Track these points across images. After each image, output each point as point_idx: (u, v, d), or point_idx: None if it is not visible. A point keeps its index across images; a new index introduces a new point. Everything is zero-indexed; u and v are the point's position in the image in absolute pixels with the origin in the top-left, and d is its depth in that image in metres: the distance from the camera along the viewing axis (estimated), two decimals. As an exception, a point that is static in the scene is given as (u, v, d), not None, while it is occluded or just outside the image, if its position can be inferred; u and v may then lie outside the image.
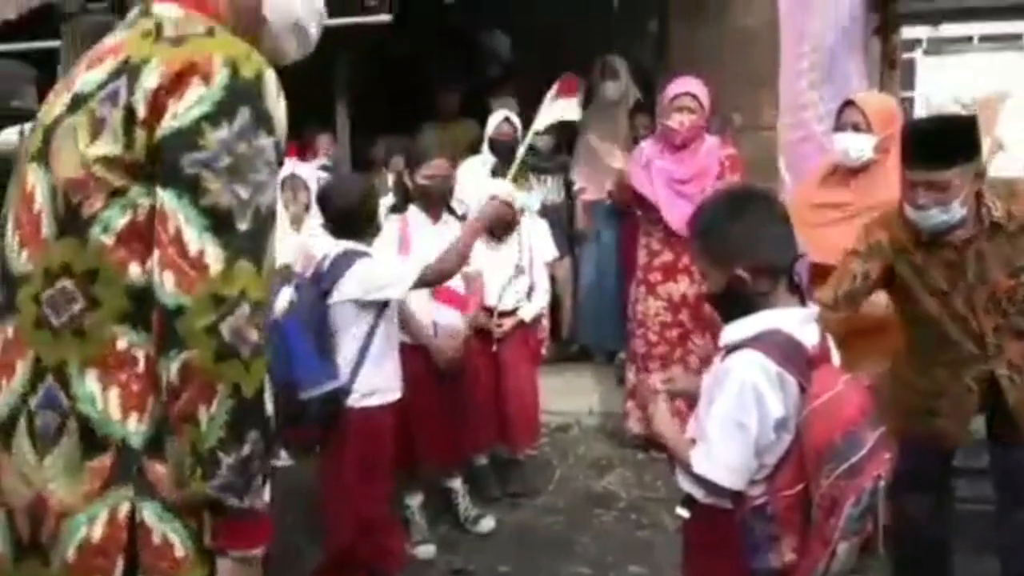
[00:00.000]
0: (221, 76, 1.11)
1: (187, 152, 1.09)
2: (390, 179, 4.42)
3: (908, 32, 3.49)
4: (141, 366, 1.14)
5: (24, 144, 1.29)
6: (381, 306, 2.76)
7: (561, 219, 5.18)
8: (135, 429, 1.14)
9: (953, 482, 2.64)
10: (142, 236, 1.12)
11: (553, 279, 5.17)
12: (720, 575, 1.68)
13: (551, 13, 4.86)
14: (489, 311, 3.68)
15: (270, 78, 1.17)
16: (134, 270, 1.13)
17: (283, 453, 3.06)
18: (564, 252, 5.19)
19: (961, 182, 2.18)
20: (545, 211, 5.00)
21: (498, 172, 4.42)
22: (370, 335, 2.74)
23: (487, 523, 3.54)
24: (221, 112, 1.10)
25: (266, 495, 1.17)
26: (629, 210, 4.38)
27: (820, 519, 1.46)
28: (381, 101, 5.11)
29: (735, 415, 1.53)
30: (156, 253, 1.10)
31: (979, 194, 2.26)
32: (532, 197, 4.71)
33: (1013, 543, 2.49)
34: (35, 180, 1.18)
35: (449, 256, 2.80)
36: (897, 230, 2.43)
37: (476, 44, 5.99)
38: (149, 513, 1.13)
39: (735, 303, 1.63)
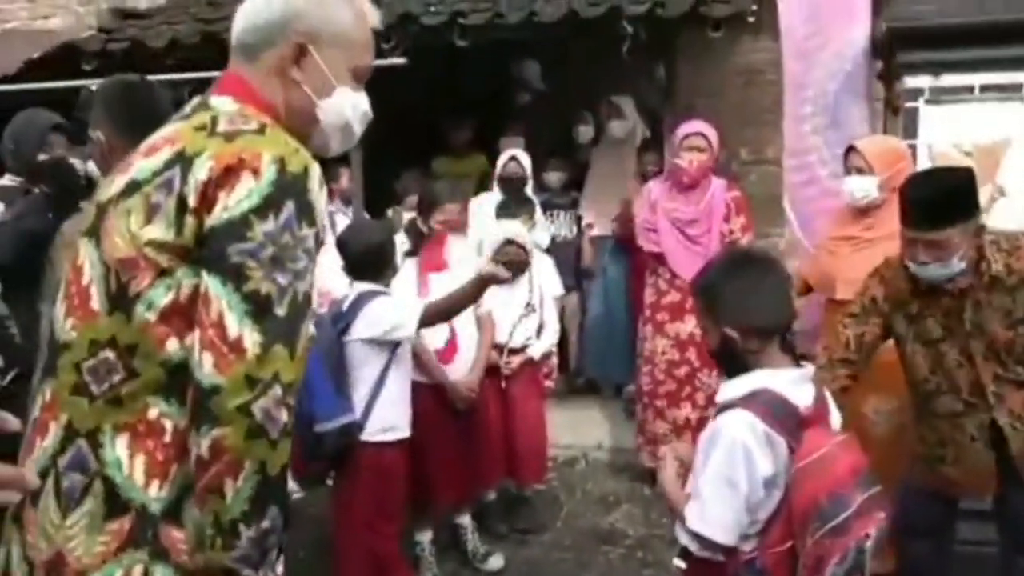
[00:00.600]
0: (269, 172, 1.19)
1: (234, 242, 1.16)
2: (404, 216, 4.52)
3: (910, 81, 3.56)
4: (168, 435, 1.21)
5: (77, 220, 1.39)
6: (394, 346, 2.85)
7: (571, 254, 5.28)
8: (155, 495, 1.20)
9: (956, 524, 2.66)
10: (183, 314, 1.19)
11: (561, 313, 5.28)
12: None
13: (561, 55, 4.97)
14: (499, 349, 3.77)
15: (314, 174, 1.24)
16: (172, 345, 1.19)
17: (294, 484, 3.13)
18: (573, 287, 5.30)
19: (960, 239, 2.25)
20: (555, 246, 5.11)
21: (506, 209, 4.53)
22: (384, 373, 2.84)
23: (496, 561, 3.58)
24: (268, 206, 1.18)
25: (279, 568, 1.25)
26: (635, 246, 4.46)
27: (804, 576, 1.52)
28: (395, 136, 5.21)
29: (726, 473, 1.59)
30: (197, 333, 1.17)
31: (980, 247, 2.32)
32: (542, 234, 4.82)
33: None
34: (86, 255, 1.26)
35: (453, 299, 2.89)
36: (895, 281, 2.50)
37: (505, 73, 6.09)
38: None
39: (730, 360, 1.71)
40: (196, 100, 1.36)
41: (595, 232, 5.25)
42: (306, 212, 1.21)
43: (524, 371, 3.83)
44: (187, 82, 4.41)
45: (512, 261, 3.54)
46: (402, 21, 4.56)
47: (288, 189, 1.19)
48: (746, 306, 1.67)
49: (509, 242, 3.66)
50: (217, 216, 1.17)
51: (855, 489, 1.53)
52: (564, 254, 5.19)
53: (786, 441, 1.58)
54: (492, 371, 3.75)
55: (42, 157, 2.55)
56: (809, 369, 1.73)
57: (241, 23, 1.38)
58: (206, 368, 1.15)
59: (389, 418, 2.86)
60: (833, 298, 3.34)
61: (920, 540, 2.64)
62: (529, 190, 4.83)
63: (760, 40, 5.10)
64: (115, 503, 1.20)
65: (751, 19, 4.23)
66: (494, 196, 4.77)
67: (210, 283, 1.17)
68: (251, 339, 1.16)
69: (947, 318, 2.41)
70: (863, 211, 3.17)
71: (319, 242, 1.26)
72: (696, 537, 1.65)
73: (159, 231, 1.19)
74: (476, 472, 3.58)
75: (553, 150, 5.47)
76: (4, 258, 2.56)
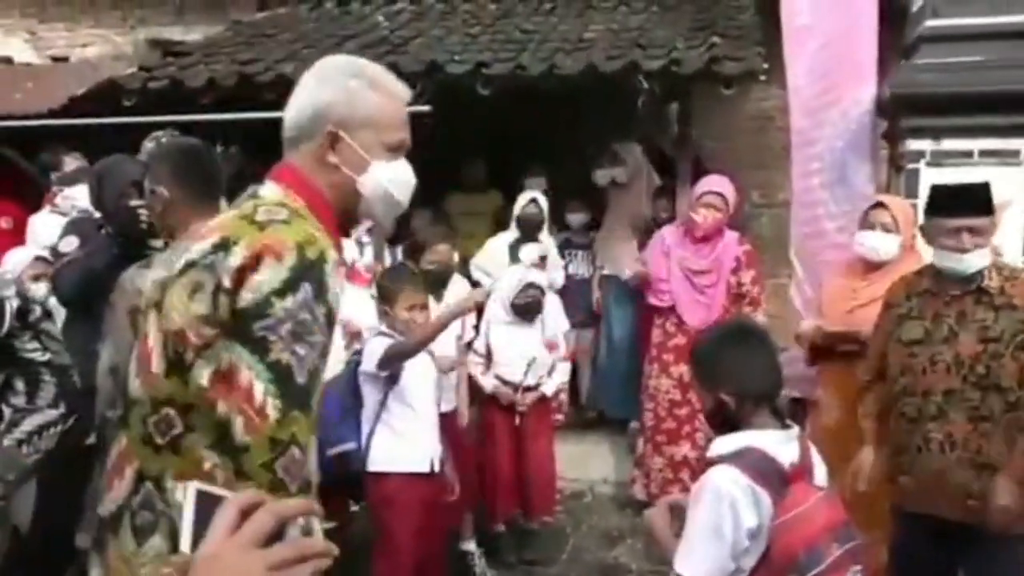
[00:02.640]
0: (289, 257, 1.34)
1: (259, 319, 1.33)
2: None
3: (913, 144, 3.72)
4: (220, 484, 1.33)
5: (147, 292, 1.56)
6: (389, 379, 3.04)
7: (587, 293, 5.46)
8: None
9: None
10: (225, 382, 1.35)
11: (574, 348, 5.46)
12: None
13: (576, 100, 5.17)
14: (514, 387, 3.94)
15: (330, 259, 1.41)
16: (221, 408, 1.35)
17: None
18: (587, 323, 5.48)
19: (991, 230, 2.53)
20: (572, 284, 5.30)
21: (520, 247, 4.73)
22: (381, 405, 3.06)
23: None
24: (287, 287, 1.33)
25: None
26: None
27: (783, 624, 1.67)
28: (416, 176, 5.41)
29: (712, 523, 1.75)
30: (228, 400, 1.34)
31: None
32: (556, 274, 5.01)
33: None
34: (151, 324, 1.45)
35: (412, 337, 3.06)
36: (896, 288, 2.73)
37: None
38: None
39: (722, 422, 1.88)
40: (249, 189, 1.55)
41: (605, 272, 5.43)
42: (321, 293, 1.37)
43: (536, 407, 4.01)
44: (222, 123, 4.62)
45: (529, 304, 3.77)
46: (428, 70, 4.78)
47: (306, 272, 1.35)
48: (741, 374, 1.85)
49: (530, 285, 3.87)
50: (245, 296, 1.33)
51: (831, 544, 1.67)
52: (580, 292, 5.40)
53: (770, 496, 1.73)
54: (507, 408, 3.94)
55: (120, 203, 2.75)
56: (795, 430, 1.88)
57: (286, 120, 1.56)
58: (237, 429, 1.33)
59: (391, 449, 3.04)
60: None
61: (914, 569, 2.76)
62: (545, 232, 5.02)
63: (771, 88, 5.30)
64: (176, 542, 1.34)
65: (763, 77, 4.40)
66: (510, 235, 4.97)
67: (240, 354, 1.33)
68: (273, 404, 1.33)
69: (932, 322, 2.58)
70: (875, 266, 3.27)
71: (332, 319, 1.41)
72: None
73: (202, 307, 1.36)
74: (486, 500, 3.77)
75: (576, 191, 5.67)
76: (66, 293, 2.78)
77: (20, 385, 2.02)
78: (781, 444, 1.82)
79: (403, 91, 1.59)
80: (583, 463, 5.02)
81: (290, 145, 1.55)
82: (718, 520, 1.74)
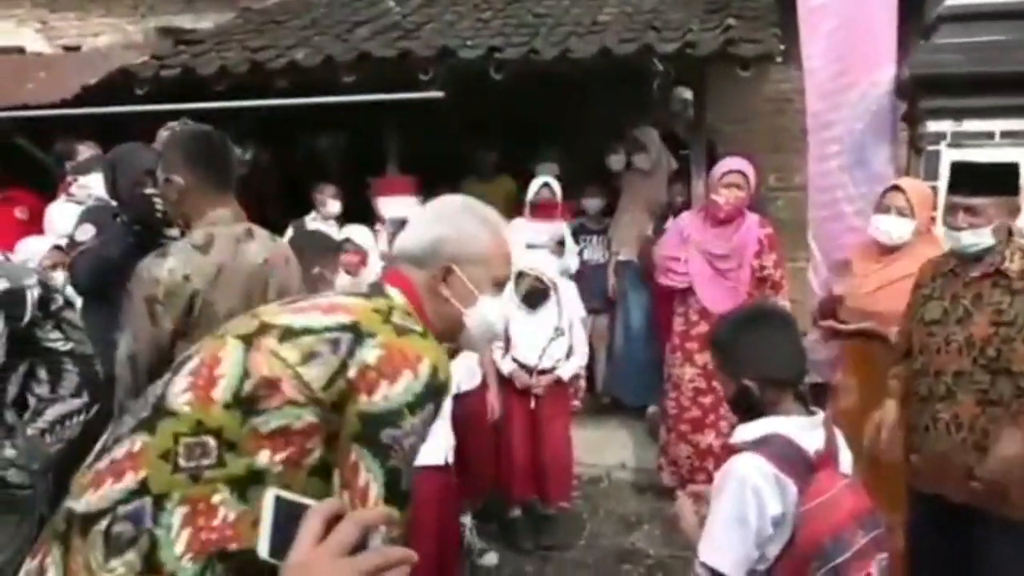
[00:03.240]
0: (424, 375, 1.40)
1: (388, 428, 1.38)
2: None
3: (933, 126, 3.67)
4: (219, 520, 1.35)
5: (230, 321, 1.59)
6: None
7: (602, 278, 5.44)
8: (186, 565, 1.33)
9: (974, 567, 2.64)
10: (287, 437, 1.38)
11: (590, 334, 5.45)
12: None
13: (590, 82, 5.14)
14: (528, 370, 3.93)
15: (451, 382, 1.49)
16: (264, 457, 1.37)
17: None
18: (602, 309, 5.46)
19: (996, 213, 2.46)
20: (587, 270, 5.28)
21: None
22: None
23: (490, 558, 3.85)
24: (418, 404, 1.39)
25: None
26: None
27: (808, 611, 1.65)
28: (430, 162, 5.41)
29: (737, 511, 1.73)
30: (345, 495, 1.37)
31: (1007, 239, 2.50)
32: (571, 260, 4.99)
33: None
34: (231, 354, 1.43)
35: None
36: (925, 268, 2.73)
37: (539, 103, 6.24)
38: None
39: (745, 408, 1.86)
40: (371, 283, 1.66)
41: (621, 257, 5.41)
42: (437, 413, 1.45)
43: (552, 392, 4.00)
44: (235, 111, 4.62)
45: (530, 291, 3.77)
46: (440, 55, 4.75)
47: (435, 393, 1.42)
48: (764, 359, 1.82)
49: (520, 274, 3.87)
50: (378, 402, 1.38)
51: (857, 531, 1.65)
52: (595, 278, 5.38)
53: (795, 483, 1.71)
54: (522, 392, 3.93)
55: (135, 192, 2.75)
56: (820, 416, 1.85)
57: (401, 244, 1.66)
58: None
59: None
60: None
61: (924, 572, 2.74)
62: (558, 218, 5.00)
63: (789, 70, 5.24)
64: (151, 562, 1.34)
65: (779, 59, 4.35)
66: (524, 221, 4.95)
67: (363, 456, 1.38)
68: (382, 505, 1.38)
69: (951, 302, 2.57)
70: (890, 250, 3.25)
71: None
72: (708, 569, 1.78)
73: (311, 374, 1.38)
74: (504, 484, 3.77)
75: (592, 176, 5.64)
76: (83, 282, 2.78)
77: (43, 374, 2.03)
78: (806, 431, 1.79)
79: (506, 229, 1.73)
80: (600, 449, 5.01)
81: (405, 262, 1.63)
82: (742, 508, 1.72)
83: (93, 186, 3.71)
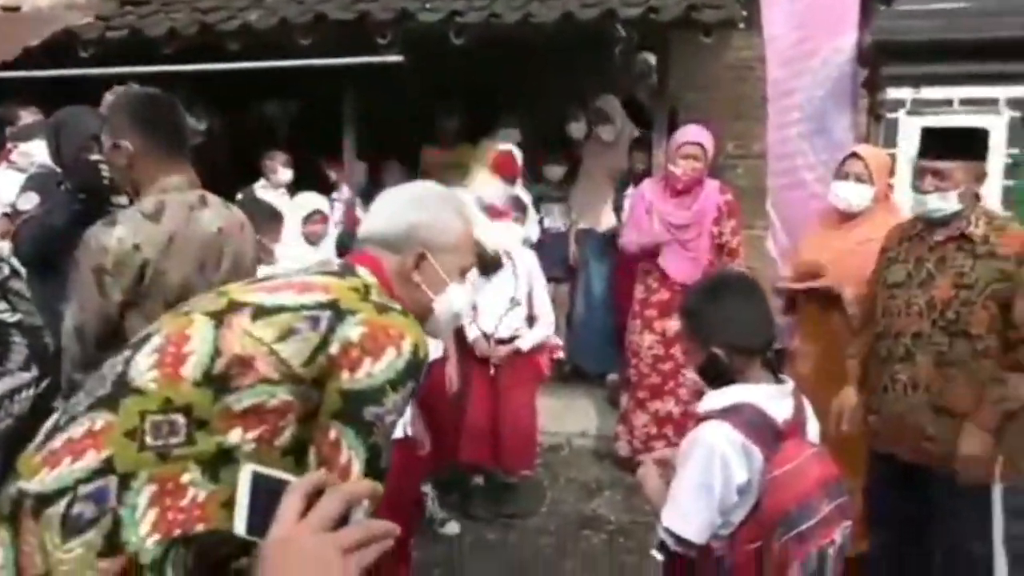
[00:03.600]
0: (408, 352, 1.41)
1: (371, 405, 1.38)
2: None
3: (893, 93, 3.68)
4: (187, 500, 1.33)
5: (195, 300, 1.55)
6: None
7: (563, 246, 5.42)
8: (150, 546, 1.31)
9: (932, 522, 2.70)
10: (260, 416, 1.36)
11: (553, 301, 5.42)
12: None
13: (552, 48, 5.06)
14: (487, 338, 3.90)
15: (428, 361, 1.49)
16: (235, 435, 1.35)
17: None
18: (563, 278, 5.45)
19: (963, 177, 2.49)
20: (548, 238, 5.25)
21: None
22: None
23: (452, 527, 3.85)
24: (400, 381, 1.40)
25: None
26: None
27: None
28: (388, 128, 5.31)
29: (702, 479, 1.73)
30: (324, 471, 1.34)
31: (973, 204, 2.52)
32: (531, 228, 4.94)
33: None
34: (200, 331, 1.40)
35: None
36: (893, 232, 2.75)
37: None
38: None
39: (714, 377, 1.85)
40: (340, 262, 1.62)
41: (582, 226, 5.38)
42: (416, 392, 1.46)
43: (513, 362, 3.97)
44: (185, 75, 4.46)
45: (481, 257, 3.72)
46: (399, 18, 4.63)
47: (415, 370, 1.43)
48: (732, 327, 1.81)
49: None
50: (361, 379, 1.38)
51: (823, 499, 1.66)
52: (556, 246, 5.35)
53: (762, 451, 1.71)
54: (482, 361, 3.90)
55: (80, 157, 2.64)
56: (789, 385, 1.85)
57: (371, 226, 1.64)
58: None
59: None
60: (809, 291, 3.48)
61: (882, 530, 2.81)
62: (519, 185, 4.94)
63: (751, 37, 5.22)
64: (113, 541, 1.30)
65: (741, 25, 4.32)
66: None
67: (345, 433, 1.38)
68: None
69: (916, 265, 2.60)
70: (850, 216, 3.26)
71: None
72: (671, 534, 1.79)
73: (288, 351, 1.38)
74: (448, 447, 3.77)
75: (553, 145, 5.59)
76: (27, 252, 2.67)
77: None
78: (775, 399, 1.79)
79: (479, 217, 1.71)
80: (560, 417, 5.02)
81: (375, 244, 1.62)
82: (708, 476, 1.72)
83: (36, 153, 3.56)
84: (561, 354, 4.53)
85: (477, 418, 3.94)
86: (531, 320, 4.06)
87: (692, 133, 4.15)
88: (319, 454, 1.38)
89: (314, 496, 0.82)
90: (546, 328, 4.12)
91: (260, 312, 1.41)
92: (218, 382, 1.35)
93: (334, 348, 1.38)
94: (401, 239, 1.60)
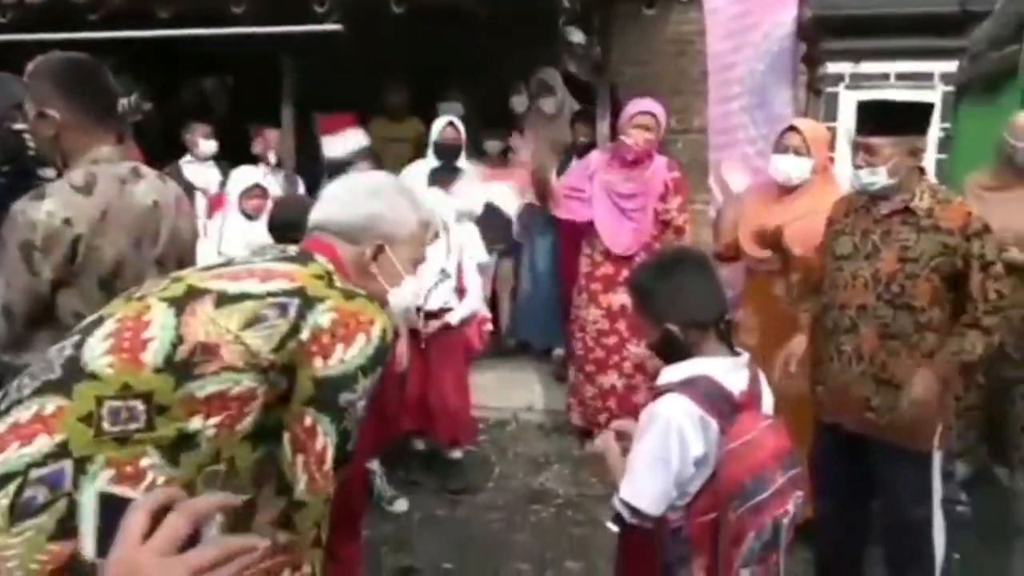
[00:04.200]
0: (376, 338, 1.43)
1: (344, 391, 1.41)
2: None
3: (832, 67, 3.73)
4: (146, 484, 1.30)
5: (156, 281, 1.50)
6: None
7: (505, 221, 5.37)
8: None
9: (869, 489, 2.78)
10: (224, 402, 1.35)
11: (494, 277, 5.41)
12: None
13: (493, 19, 4.99)
14: (416, 311, 3.86)
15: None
16: (196, 421, 1.34)
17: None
18: (506, 252, 5.42)
19: (892, 152, 2.53)
20: (490, 211, 5.20)
21: (438, 176, 4.59)
22: None
23: (400, 504, 3.84)
24: (371, 366, 1.43)
25: None
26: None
27: (726, 547, 1.66)
28: (328, 101, 5.17)
29: (659, 452, 1.73)
30: (299, 458, 1.40)
31: (915, 179, 2.57)
32: (473, 203, 4.89)
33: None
34: (159, 316, 1.37)
35: None
36: (842, 205, 2.79)
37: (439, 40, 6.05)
38: None
39: (670, 351, 1.84)
40: (294, 248, 1.60)
41: (525, 200, 5.35)
42: (381, 374, 1.47)
43: (442, 335, 3.94)
44: (112, 43, 4.26)
45: None
46: (338, -16, 4.50)
47: (383, 355, 1.45)
48: (684, 302, 1.80)
49: None
50: (334, 367, 1.39)
51: (776, 471, 1.67)
52: (499, 220, 5.30)
53: (718, 424, 1.72)
54: (412, 333, 3.86)
55: (2, 127, 2.50)
56: (744, 357, 1.86)
57: (326, 214, 1.64)
58: (300, 486, 1.41)
59: None
60: (751, 267, 3.55)
61: (826, 498, 2.87)
62: (463, 158, 4.88)
63: (691, 11, 5.23)
64: (67, 525, 1.25)
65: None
66: (427, 163, 4.81)
67: (320, 420, 1.40)
68: (330, 469, 1.42)
69: (862, 237, 2.65)
70: (789, 190, 3.32)
71: None
72: (628, 506, 1.79)
73: (256, 338, 1.37)
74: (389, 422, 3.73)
75: (492, 118, 5.52)
76: None
77: None
78: (731, 371, 1.79)
79: (426, 209, 1.76)
80: (506, 392, 5.02)
81: (330, 233, 1.62)
82: (665, 450, 1.72)
83: None
84: (489, 326, 4.48)
85: (411, 391, 3.91)
86: (460, 294, 4.03)
87: (646, 104, 4.15)
88: (294, 440, 1.39)
89: (162, 514, 0.77)
90: (475, 302, 4.09)
91: (224, 299, 1.39)
92: (180, 369, 1.33)
93: (305, 334, 1.38)
94: (359, 230, 1.61)
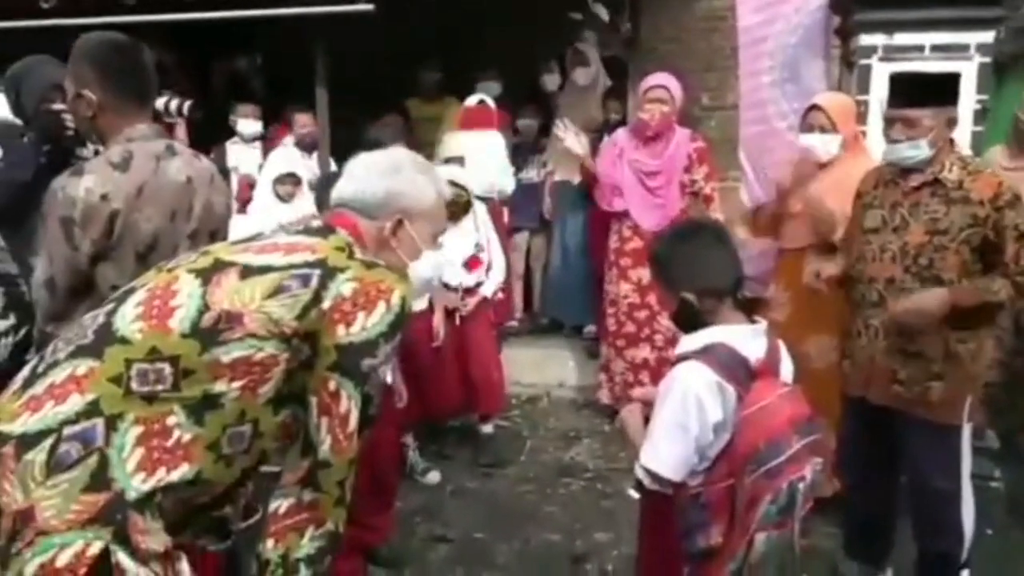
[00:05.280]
0: (396, 306, 1.48)
1: (367, 358, 1.46)
2: None
3: (865, 39, 3.67)
4: (172, 442, 1.38)
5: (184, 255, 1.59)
6: None
7: (539, 198, 5.41)
8: (136, 485, 1.35)
9: (898, 463, 2.77)
10: (248, 367, 1.41)
11: (527, 254, 5.45)
12: (665, 547, 1.91)
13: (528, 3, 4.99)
14: (454, 289, 3.91)
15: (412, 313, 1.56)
16: (221, 384, 1.40)
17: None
18: (538, 229, 5.46)
19: (932, 123, 2.50)
20: (523, 190, 5.24)
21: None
22: None
23: (433, 476, 3.91)
24: (391, 333, 1.48)
25: None
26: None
27: (742, 511, 1.69)
28: (362, 83, 5.22)
29: (678, 418, 1.76)
30: (324, 420, 1.45)
31: (945, 150, 2.54)
32: (508, 180, 4.93)
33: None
34: (186, 286, 1.44)
35: None
36: (867, 179, 2.76)
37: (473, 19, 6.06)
38: (124, 556, 1.31)
39: (688, 320, 1.87)
40: (317, 221, 1.66)
41: (557, 177, 5.37)
42: (400, 341, 1.53)
43: (478, 309, 4.00)
44: (148, 29, 4.34)
45: (454, 201, 3.73)
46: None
47: (403, 322, 1.50)
48: (700, 271, 1.83)
49: (451, 183, 3.81)
50: (356, 334, 1.45)
51: (792, 437, 1.69)
52: (531, 197, 5.34)
53: (735, 390, 1.74)
54: (448, 312, 3.91)
55: (41, 108, 2.59)
56: (762, 325, 1.88)
57: (348, 190, 1.68)
58: (325, 447, 1.46)
59: None
60: (784, 247, 3.54)
61: (854, 471, 2.88)
62: (500, 136, 4.92)
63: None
64: (100, 478, 1.33)
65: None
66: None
67: (343, 384, 1.46)
68: (354, 432, 1.48)
69: (891, 210, 2.63)
70: (821, 167, 3.28)
71: None
72: (648, 472, 1.83)
73: (279, 308, 1.42)
74: (424, 395, 3.78)
75: (527, 97, 5.54)
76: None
77: None
78: (748, 339, 1.82)
79: (447, 188, 1.81)
80: (538, 368, 5.07)
81: (351, 209, 1.66)
82: (684, 416, 1.75)
83: None
84: (501, 295, 4.49)
85: (450, 370, 3.97)
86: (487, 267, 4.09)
87: (658, 78, 4.15)
88: (319, 404, 1.45)
89: None
90: (500, 274, 4.14)
91: (248, 272, 1.45)
92: (206, 335, 1.39)
93: (327, 303, 1.43)
94: (379, 205, 1.65)
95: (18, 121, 2.76)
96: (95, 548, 1.29)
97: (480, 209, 4.14)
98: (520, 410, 4.78)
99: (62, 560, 1.28)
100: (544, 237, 5.55)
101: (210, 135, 4.99)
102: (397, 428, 3.24)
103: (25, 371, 1.47)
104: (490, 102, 4.88)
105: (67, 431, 1.34)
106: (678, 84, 4.19)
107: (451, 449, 4.24)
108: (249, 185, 4.65)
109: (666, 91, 4.13)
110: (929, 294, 2.50)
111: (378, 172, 1.70)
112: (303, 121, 5.01)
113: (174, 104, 3.05)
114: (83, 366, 1.39)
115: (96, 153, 2.14)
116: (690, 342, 1.84)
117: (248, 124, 4.98)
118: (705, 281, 1.83)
